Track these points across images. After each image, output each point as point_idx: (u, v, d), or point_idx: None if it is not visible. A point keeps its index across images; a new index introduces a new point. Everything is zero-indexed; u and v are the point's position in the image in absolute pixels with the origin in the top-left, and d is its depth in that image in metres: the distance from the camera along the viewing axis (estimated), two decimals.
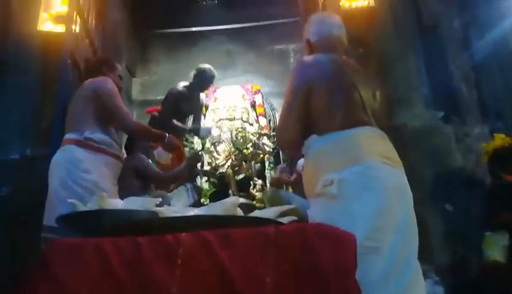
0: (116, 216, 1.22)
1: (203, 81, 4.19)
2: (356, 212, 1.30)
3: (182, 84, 4.20)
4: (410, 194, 1.44)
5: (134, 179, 2.77)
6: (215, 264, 1.01)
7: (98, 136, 2.08)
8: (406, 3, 3.09)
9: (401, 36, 3.06)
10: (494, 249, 2.23)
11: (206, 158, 4.14)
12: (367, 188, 1.34)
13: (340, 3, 2.99)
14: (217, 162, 3.87)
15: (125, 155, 2.81)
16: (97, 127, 2.12)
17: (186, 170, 3.02)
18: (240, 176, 3.93)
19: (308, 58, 1.66)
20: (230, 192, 3.81)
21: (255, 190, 3.71)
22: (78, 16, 2.86)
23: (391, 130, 1.78)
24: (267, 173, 4.03)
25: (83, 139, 2.03)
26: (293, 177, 2.82)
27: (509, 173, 2.49)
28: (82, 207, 1.31)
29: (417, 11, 3.09)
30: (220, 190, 3.87)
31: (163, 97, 4.22)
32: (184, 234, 1.06)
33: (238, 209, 1.26)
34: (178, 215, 1.18)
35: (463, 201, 2.60)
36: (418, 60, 3.03)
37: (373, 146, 1.45)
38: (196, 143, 4.26)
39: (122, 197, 2.13)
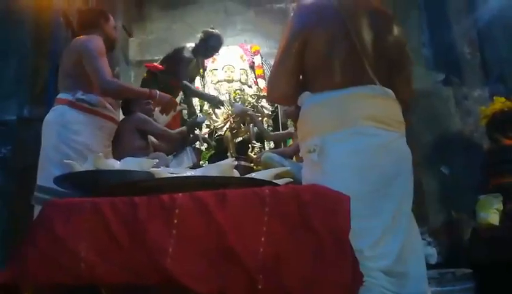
0: (113, 176, 1.22)
1: (209, 46, 3.92)
2: (339, 181, 1.21)
3: (188, 46, 3.99)
4: (409, 158, 1.38)
5: (134, 140, 2.72)
6: (211, 225, 1.03)
7: (91, 97, 2.02)
8: None
9: None
10: (488, 212, 2.26)
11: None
12: (350, 156, 1.27)
13: None
14: (216, 124, 3.86)
15: (122, 117, 2.79)
16: (90, 87, 2.04)
17: (186, 133, 2.97)
18: (239, 139, 3.94)
19: (308, 0, 1.46)
20: (228, 154, 3.83)
21: (253, 153, 3.73)
22: None
23: None
24: None
25: (75, 100, 1.98)
26: None
27: (507, 137, 2.49)
28: (79, 168, 1.31)
29: None
30: (219, 153, 3.88)
31: (160, 56, 4.08)
32: (180, 194, 1.07)
33: (234, 170, 1.27)
34: (174, 175, 1.19)
35: (460, 165, 2.62)
36: (421, 19, 2.96)
37: (367, 108, 1.32)
38: (195, 105, 4.23)
39: (121, 158, 2.13)
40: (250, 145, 3.82)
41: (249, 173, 3.30)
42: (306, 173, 1.40)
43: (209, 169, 1.19)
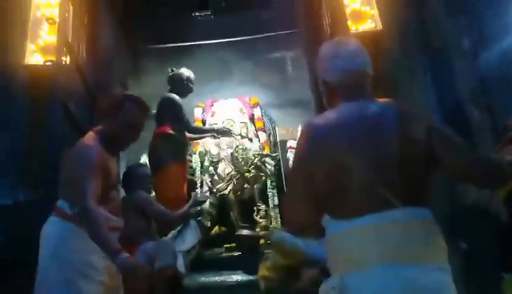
0: None
1: (189, 81, 3.88)
2: None
3: (170, 93, 3.85)
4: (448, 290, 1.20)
5: (138, 221, 2.60)
6: None
7: None
8: (414, 25, 2.93)
9: (409, 59, 2.92)
10: None
11: (206, 178, 4.01)
12: None
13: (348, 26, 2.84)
14: (218, 186, 3.73)
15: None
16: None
17: (189, 214, 2.81)
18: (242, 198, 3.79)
19: (312, 125, 1.34)
20: (232, 215, 3.68)
21: (258, 216, 3.58)
22: (66, 47, 2.69)
23: None
24: (269, 193, 3.90)
25: (74, 214, 1.82)
26: None
27: None
28: None
29: (425, 32, 2.93)
30: (222, 213, 3.74)
31: (155, 110, 3.80)
32: None
33: None
34: None
35: (479, 238, 2.50)
36: (426, 83, 2.90)
37: (387, 242, 1.18)
38: (195, 162, 4.12)
39: (126, 240, 1.98)
40: (254, 208, 3.67)
41: (256, 244, 3.16)
42: None
43: None
